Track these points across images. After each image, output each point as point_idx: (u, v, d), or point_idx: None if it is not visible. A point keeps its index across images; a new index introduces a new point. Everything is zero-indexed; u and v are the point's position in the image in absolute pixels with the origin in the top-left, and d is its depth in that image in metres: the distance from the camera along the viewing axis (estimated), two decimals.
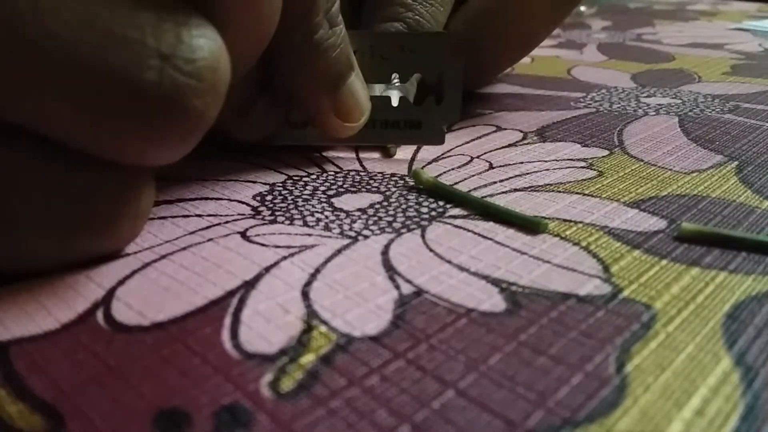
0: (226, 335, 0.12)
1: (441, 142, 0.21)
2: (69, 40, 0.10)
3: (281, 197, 0.18)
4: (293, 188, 0.19)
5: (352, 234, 0.16)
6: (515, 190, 0.19)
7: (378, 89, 0.23)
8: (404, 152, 0.22)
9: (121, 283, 0.13)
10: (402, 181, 0.19)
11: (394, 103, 0.21)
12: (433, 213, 0.17)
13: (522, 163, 0.21)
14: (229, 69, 0.12)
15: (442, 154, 0.22)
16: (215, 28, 0.12)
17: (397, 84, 0.22)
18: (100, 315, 0.12)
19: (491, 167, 0.20)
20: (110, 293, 0.13)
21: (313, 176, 0.20)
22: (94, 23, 0.11)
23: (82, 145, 0.12)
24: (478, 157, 0.21)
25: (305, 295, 0.13)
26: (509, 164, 0.21)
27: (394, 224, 0.16)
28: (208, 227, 0.16)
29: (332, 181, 0.19)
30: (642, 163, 0.21)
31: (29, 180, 0.12)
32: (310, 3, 0.17)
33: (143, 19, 0.11)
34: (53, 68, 0.10)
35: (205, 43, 0.12)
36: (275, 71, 0.18)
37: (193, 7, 0.12)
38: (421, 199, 0.18)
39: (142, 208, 0.13)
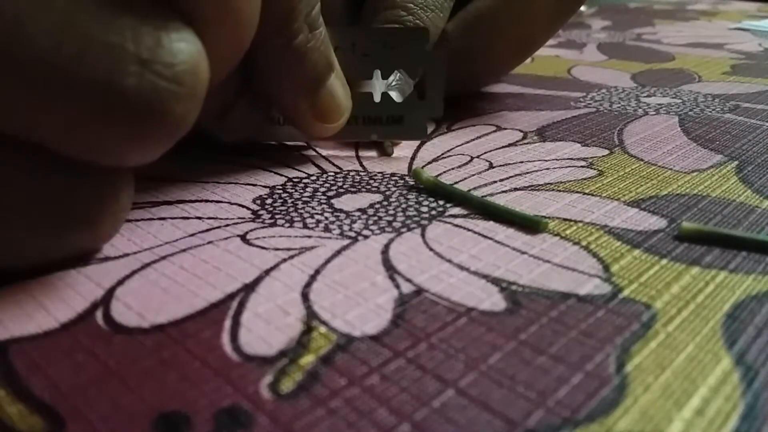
0: (225, 338, 0.12)
1: (424, 136, 0.22)
2: (49, 46, 0.10)
3: (281, 200, 0.18)
4: (293, 191, 0.19)
5: (352, 234, 0.16)
6: (515, 189, 0.19)
7: (365, 86, 0.23)
8: (404, 151, 0.22)
9: (120, 283, 0.13)
10: (402, 181, 0.19)
11: (377, 99, 0.21)
12: (433, 212, 0.17)
13: (522, 162, 0.21)
14: (207, 73, 0.12)
15: (442, 154, 0.22)
16: (194, 33, 0.12)
17: (392, 80, 0.22)
18: (99, 315, 0.12)
19: (491, 167, 0.20)
20: (109, 293, 0.13)
21: (313, 177, 0.20)
22: (74, 29, 0.11)
23: (59, 149, 0.12)
24: (478, 156, 0.21)
25: (305, 296, 0.13)
26: (509, 164, 0.21)
27: (394, 224, 0.16)
28: (208, 230, 0.16)
29: (332, 182, 0.19)
30: (642, 162, 0.21)
31: (8, 178, 0.12)
32: (289, 8, 0.17)
33: (123, 24, 0.11)
34: (32, 75, 0.10)
35: (185, 47, 0.12)
36: (254, 74, 0.18)
37: (172, 12, 0.12)
38: (421, 199, 0.18)
39: (121, 204, 0.13)
